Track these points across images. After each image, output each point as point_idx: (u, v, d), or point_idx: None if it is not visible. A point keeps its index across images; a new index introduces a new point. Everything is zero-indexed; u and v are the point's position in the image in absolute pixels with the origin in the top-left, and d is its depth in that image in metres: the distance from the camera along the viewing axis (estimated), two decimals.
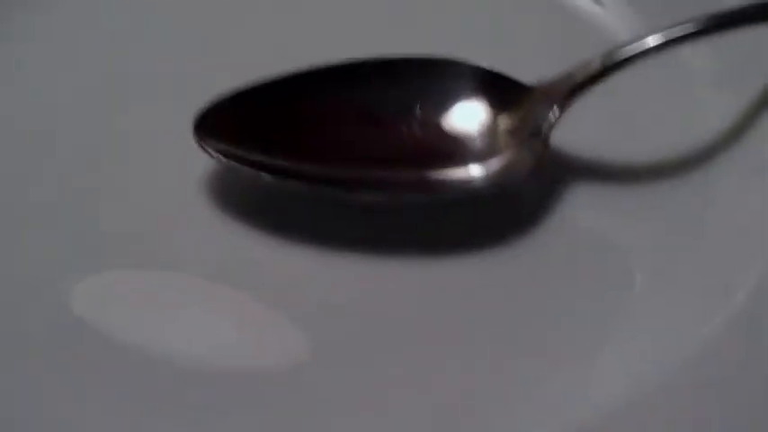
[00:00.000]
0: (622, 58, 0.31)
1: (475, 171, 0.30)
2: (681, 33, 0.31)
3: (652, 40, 0.31)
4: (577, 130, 0.31)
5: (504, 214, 0.31)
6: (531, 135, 0.30)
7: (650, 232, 0.30)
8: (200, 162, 0.30)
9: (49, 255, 0.30)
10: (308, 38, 0.34)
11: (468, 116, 0.31)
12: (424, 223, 0.30)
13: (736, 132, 0.32)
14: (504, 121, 0.31)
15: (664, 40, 0.31)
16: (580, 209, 0.31)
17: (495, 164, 0.30)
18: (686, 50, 0.32)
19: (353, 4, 0.36)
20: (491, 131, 0.31)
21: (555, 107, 0.30)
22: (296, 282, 0.29)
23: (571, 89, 0.30)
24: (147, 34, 0.36)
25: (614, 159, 0.32)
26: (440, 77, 0.31)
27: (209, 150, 0.30)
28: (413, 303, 0.29)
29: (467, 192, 0.30)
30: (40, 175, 0.32)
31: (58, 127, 0.33)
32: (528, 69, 0.31)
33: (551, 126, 0.30)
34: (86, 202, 0.31)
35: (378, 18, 0.35)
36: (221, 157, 0.30)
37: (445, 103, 0.31)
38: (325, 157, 0.30)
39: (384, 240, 0.30)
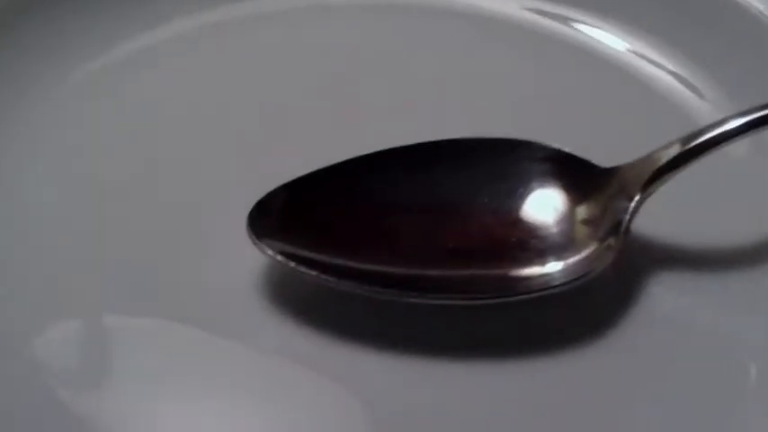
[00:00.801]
0: (703, 139, 0.29)
1: (553, 268, 0.28)
2: (762, 114, 0.29)
3: (734, 123, 0.29)
4: (653, 213, 0.29)
5: (582, 304, 0.29)
6: (612, 227, 0.29)
7: (739, 318, 0.29)
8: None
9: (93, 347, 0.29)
10: (372, 118, 0.32)
11: (544, 205, 0.29)
12: (499, 318, 0.28)
13: None
14: (583, 211, 0.29)
15: (745, 120, 0.29)
16: (661, 294, 0.29)
17: (575, 260, 0.28)
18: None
19: (424, 83, 0.34)
20: (569, 222, 0.29)
21: (635, 197, 0.29)
22: (347, 379, 0.28)
23: (652, 176, 0.29)
24: (195, 123, 0.33)
25: (692, 243, 0.30)
26: (513, 160, 0.29)
27: (266, 251, 0.28)
28: (491, 402, 0.27)
29: (543, 290, 0.28)
30: (92, 264, 0.30)
31: (110, 217, 0.31)
32: (609, 151, 0.30)
33: (631, 217, 0.29)
34: (139, 294, 0.29)
35: (448, 96, 0.33)
36: (278, 256, 0.28)
37: (519, 190, 0.29)
38: (390, 254, 0.28)
39: (459, 336, 0.28)
